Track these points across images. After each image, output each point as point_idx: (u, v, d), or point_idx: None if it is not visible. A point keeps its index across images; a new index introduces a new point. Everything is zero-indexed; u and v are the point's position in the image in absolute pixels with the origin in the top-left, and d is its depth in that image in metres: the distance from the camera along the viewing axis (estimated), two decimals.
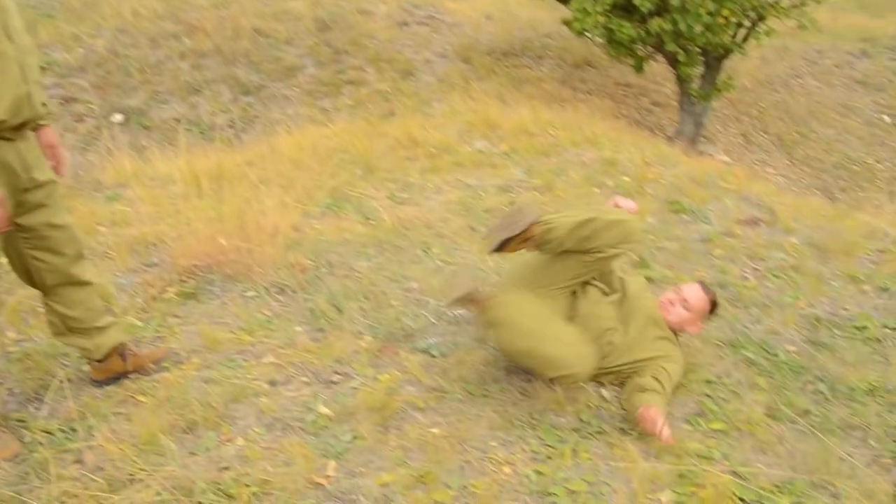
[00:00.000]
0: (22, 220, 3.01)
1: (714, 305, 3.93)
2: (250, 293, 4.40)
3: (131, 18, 11.97)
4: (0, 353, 3.75)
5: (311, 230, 5.23)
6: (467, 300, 3.49)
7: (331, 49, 12.19)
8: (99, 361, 3.45)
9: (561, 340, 3.35)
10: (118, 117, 10.78)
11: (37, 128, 3.09)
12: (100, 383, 3.48)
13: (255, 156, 6.76)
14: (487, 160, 7.21)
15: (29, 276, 3.17)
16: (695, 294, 3.86)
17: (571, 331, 3.45)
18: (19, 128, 2.85)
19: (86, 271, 3.28)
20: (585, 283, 3.73)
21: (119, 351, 3.48)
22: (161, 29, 11.95)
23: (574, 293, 3.69)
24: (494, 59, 12.51)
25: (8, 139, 2.82)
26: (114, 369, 3.49)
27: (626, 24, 10.52)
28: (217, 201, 5.20)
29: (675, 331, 3.85)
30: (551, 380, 3.47)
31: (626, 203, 3.84)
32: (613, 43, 10.93)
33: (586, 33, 11.21)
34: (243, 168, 6.24)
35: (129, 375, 3.53)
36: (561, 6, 12.19)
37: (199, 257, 4.53)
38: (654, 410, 3.34)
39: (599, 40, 11.38)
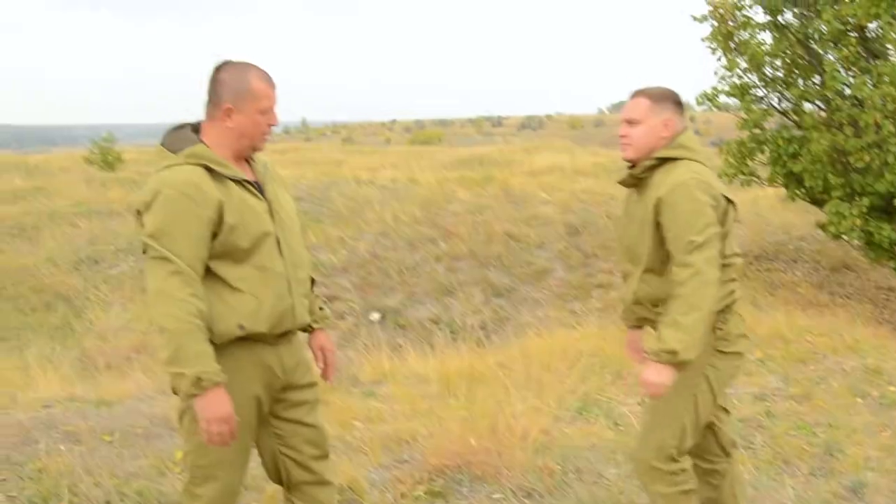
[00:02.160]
0: (276, 418, 3.12)
1: (664, 93, 3.26)
2: (497, 495, 4.36)
3: (392, 223, 12.76)
4: None
5: (560, 434, 5.18)
6: None
7: (580, 253, 12.41)
8: None
9: None
10: (376, 316, 11.34)
11: (310, 331, 3.29)
12: None
13: (506, 358, 6.87)
14: (742, 367, 6.96)
15: (276, 470, 3.23)
16: (631, 107, 3.26)
17: None
18: (281, 335, 2.98)
19: (328, 471, 3.32)
20: None
21: None
22: (419, 233, 12.64)
23: None
24: (747, 262, 12.28)
25: (270, 344, 2.95)
26: None
27: (886, 225, 10.09)
28: (469, 402, 5.28)
29: (644, 158, 3.21)
30: None
31: None
32: (873, 245, 10.50)
33: (843, 236, 10.84)
34: (494, 370, 6.35)
35: None
36: (815, 209, 11.92)
37: (449, 457, 4.57)
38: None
39: (857, 243, 10.96)
